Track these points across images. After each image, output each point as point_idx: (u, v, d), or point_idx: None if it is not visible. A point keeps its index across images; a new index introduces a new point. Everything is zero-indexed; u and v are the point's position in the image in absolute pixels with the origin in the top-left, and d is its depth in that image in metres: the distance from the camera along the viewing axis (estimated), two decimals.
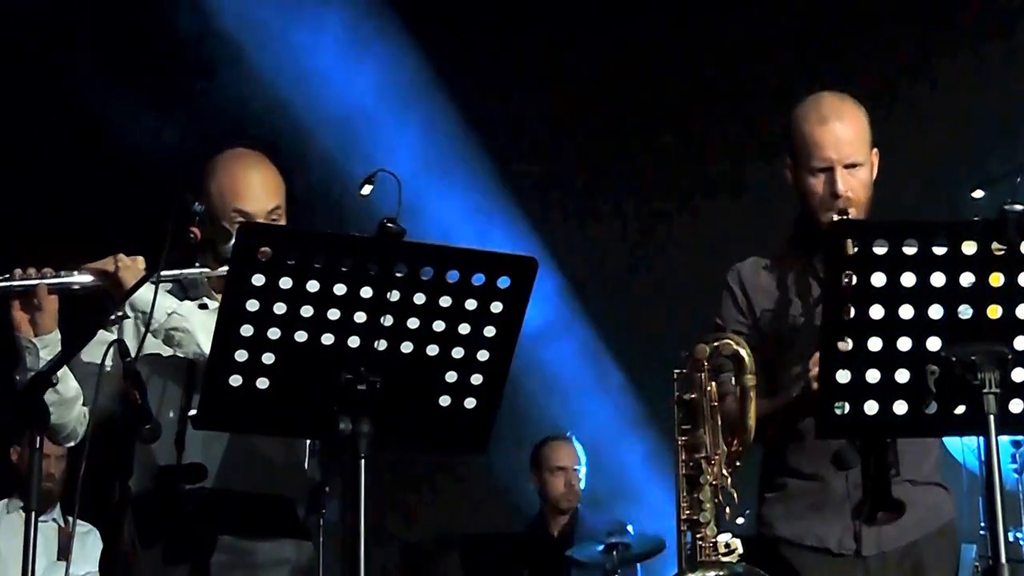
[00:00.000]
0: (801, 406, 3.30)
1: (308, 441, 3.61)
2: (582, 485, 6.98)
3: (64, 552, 5.88)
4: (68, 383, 3.46)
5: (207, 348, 3.30)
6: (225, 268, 3.32)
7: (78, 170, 7.38)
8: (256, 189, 3.52)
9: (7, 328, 3.45)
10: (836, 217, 3.41)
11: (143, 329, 3.34)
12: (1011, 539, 5.69)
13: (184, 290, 3.56)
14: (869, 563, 3.40)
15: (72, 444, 3.56)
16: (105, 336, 3.45)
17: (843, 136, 3.48)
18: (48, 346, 3.40)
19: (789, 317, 3.50)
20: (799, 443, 3.43)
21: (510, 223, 7.62)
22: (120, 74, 7.22)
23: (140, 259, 3.42)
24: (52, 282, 3.40)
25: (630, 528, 6.73)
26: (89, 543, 6.00)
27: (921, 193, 6.86)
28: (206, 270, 3.48)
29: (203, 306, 3.51)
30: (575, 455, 6.96)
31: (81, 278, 3.42)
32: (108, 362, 3.34)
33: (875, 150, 3.56)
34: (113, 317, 3.47)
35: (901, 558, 3.42)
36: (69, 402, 3.47)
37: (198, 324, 3.40)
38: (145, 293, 3.35)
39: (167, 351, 3.46)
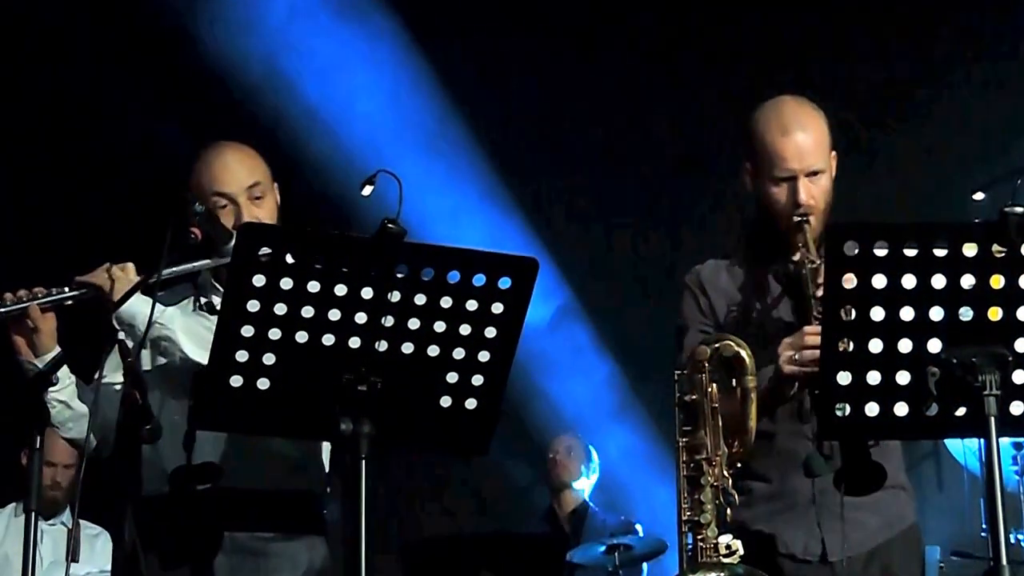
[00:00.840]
0: (773, 394, 3.31)
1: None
2: (584, 480, 7.05)
3: (74, 555, 5.89)
4: (77, 401, 3.48)
5: (192, 352, 3.33)
6: (225, 260, 3.34)
7: (81, 173, 7.39)
8: (231, 169, 3.53)
9: (10, 352, 3.47)
10: (796, 218, 3.44)
11: (128, 341, 3.35)
12: (1012, 541, 5.69)
13: (196, 289, 3.56)
14: (835, 568, 3.41)
15: (106, 455, 3.57)
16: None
17: (805, 146, 3.49)
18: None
19: (751, 318, 3.51)
20: (765, 447, 3.43)
21: (509, 221, 7.62)
22: (121, 74, 7.23)
23: (129, 266, 3.42)
24: (43, 301, 3.40)
25: (639, 527, 6.75)
26: (99, 545, 6.01)
27: (922, 195, 6.86)
28: (207, 261, 3.48)
29: (210, 304, 3.51)
30: (568, 443, 7.08)
31: (72, 293, 3.42)
32: (114, 374, 3.36)
33: (833, 152, 3.57)
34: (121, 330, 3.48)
35: (867, 562, 3.44)
36: (85, 417, 3.49)
37: (180, 329, 3.40)
38: (131, 306, 3.36)
39: (163, 359, 3.46)
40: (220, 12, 7.33)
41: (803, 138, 3.49)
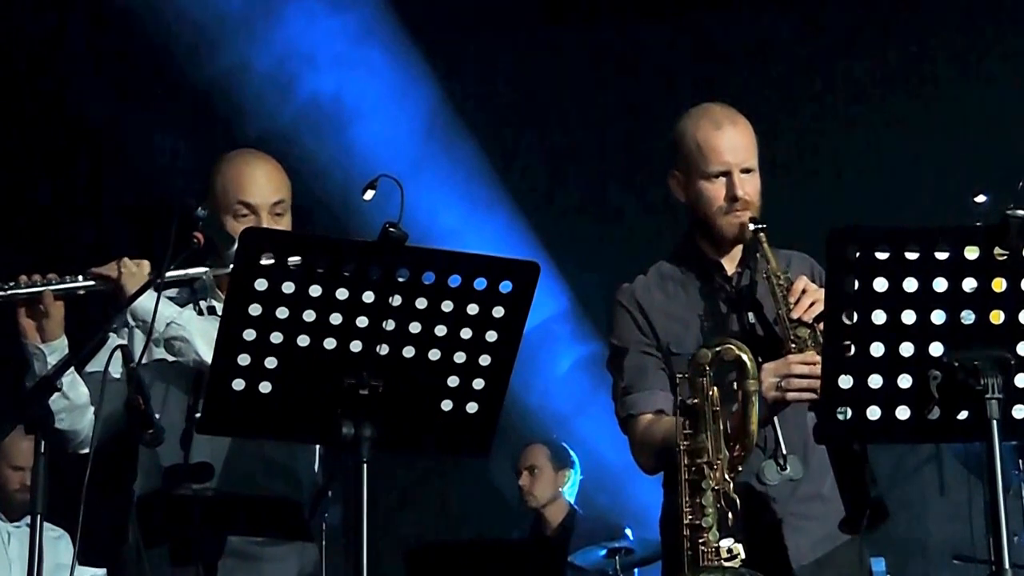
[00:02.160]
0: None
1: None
2: (566, 489, 7.00)
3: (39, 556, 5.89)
4: (79, 389, 3.49)
5: (207, 355, 3.33)
6: (229, 268, 3.35)
7: (85, 176, 7.40)
8: (260, 182, 3.55)
9: (15, 336, 3.47)
10: (752, 227, 3.44)
11: (145, 337, 3.36)
12: (1015, 544, 5.69)
13: (194, 293, 3.57)
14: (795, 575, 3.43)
15: (84, 451, 3.57)
16: (115, 341, 3.47)
17: (738, 141, 3.51)
18: (55, 352, 3.43)
19: (698, 332, 3.50)
20: None
21: (508, 222, 7.62)
22: (121, 76, 7.24)
23: (145, 263, 3.44)
24: (57, 288, 3.42)
25: (628, 532, 6.73)
26: (61, 547, 5.96)
27: (923, 198, 6.86)
28: (209, 269, 3.49)
29: (211, 309, 3.53)
30: (535, 457, 6.97)
31: (85, 283, 3.44)
32: (113, 368, 3.36)
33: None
34: (116, 325, 3.49)
35: (822, 569, 3.45)
36: (80, 408, 3.50)
37: (197, 332, 3.42)
38: (145, 301, 3.37)
39: (171, 357, 3.47)
40: (224, 16, 7.34)
41: (735, 133, 3.51)
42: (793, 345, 3.29)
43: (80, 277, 3.45)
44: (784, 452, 3.37)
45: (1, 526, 5.71)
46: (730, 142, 3.49)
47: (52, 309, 3.42)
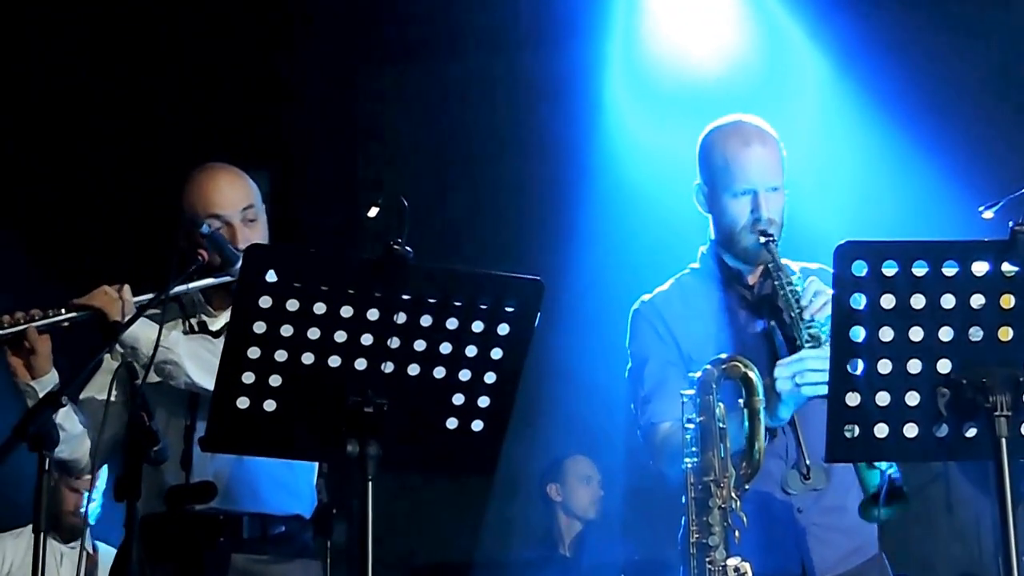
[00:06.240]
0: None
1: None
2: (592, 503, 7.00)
3: None
4: (73, 419, 3.49)
5: (197, 376, 3.34)
6: (227, 277, 3.36)
7: (81, 190, 7.40)
8: (224, 192, 3.57)
9: (6, 375, 3.48)
10: (762, 239, 3.44)
11: (135, 363, 3.35)
12: None
13: (183, 308, 3.58)
14: None
15: (88, 476, 3.58)
16: (112, 365, 3.47)
17: (766, 160, 3.50)
18: (46, 387, 3.43)
19: (719, 341, 3.49)
20: None
21: (510, 229, 7.60)
22: (120, 84, 7.23)
23: (126, 288, 3.43)
24: (40, 323, 3.42)
25: (636, 551, 6.71)
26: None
27: (930, 212, 6.84)
28: (209, 280, 3.49)
29: (202, 324, 3.53)
30: (596, 468, 6.99)
31: (68, 315, 3.43)
32: (115, 390, 3.36)
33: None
34: (110, 351, 3.49)
35: None
36: (78, 437, 3.53)
37: (185, 354, 3.42)
38: (133, 328, 3.37)
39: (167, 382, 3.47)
40: (226, 25, 7.33)
41: (763, 152, 3.50)
42: (808, 343, 3.29)
43: (62, 310, 3.44)
44: (807, 462, 3.37)
45: (56, 546, 5.71)
46: (758, 161, 3.48)
47: (38, 345, 3.43)
